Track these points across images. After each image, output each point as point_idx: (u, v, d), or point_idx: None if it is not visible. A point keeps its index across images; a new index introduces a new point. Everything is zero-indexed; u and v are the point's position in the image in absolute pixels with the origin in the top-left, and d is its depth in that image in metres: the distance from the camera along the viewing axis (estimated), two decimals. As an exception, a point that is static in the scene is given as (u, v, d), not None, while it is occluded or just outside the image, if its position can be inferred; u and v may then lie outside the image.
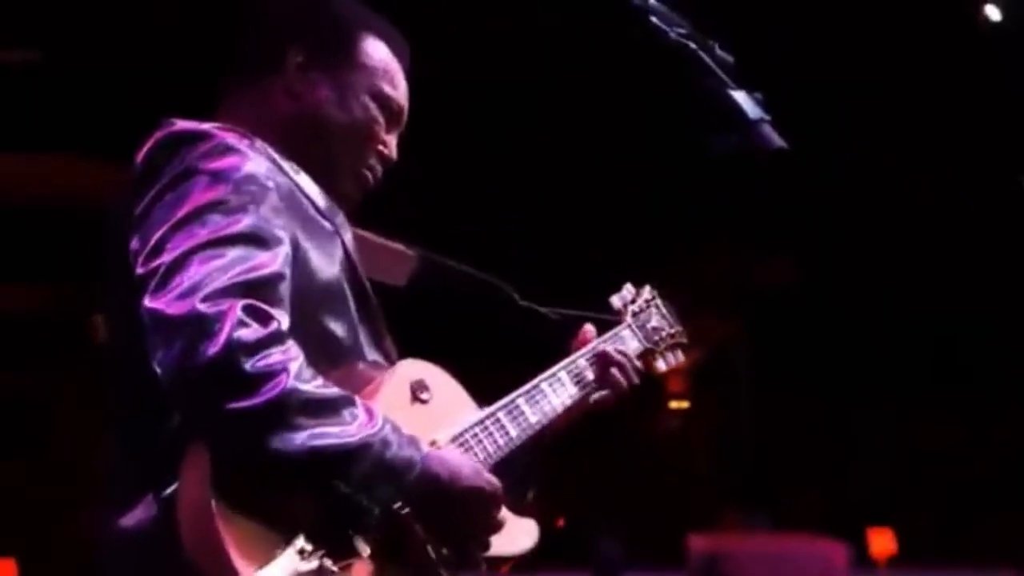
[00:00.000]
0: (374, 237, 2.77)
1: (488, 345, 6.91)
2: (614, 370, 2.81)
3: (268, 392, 2.15)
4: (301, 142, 2.52)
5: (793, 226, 7.84)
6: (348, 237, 2.53)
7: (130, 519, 2.28)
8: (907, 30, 6.96)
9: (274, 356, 2.16)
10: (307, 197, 2.46)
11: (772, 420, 10.41)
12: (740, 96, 2.29)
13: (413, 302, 2.90)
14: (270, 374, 2.15)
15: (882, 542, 9.39)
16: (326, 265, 2.43)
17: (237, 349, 2.14)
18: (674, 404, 11.60)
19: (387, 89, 2.61)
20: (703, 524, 8.30)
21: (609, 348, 2.85)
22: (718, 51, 2.33)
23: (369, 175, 2.62)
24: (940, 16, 6.87)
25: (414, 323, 2.76)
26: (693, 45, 2.32)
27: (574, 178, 8.41)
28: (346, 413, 2.22)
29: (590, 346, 2.85)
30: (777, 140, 2.27)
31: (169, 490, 2.23)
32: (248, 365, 2.14)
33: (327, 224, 2.47)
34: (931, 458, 10.60)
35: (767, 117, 2.28)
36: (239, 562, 2.14)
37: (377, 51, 2.61)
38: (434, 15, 2.67)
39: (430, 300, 3.17)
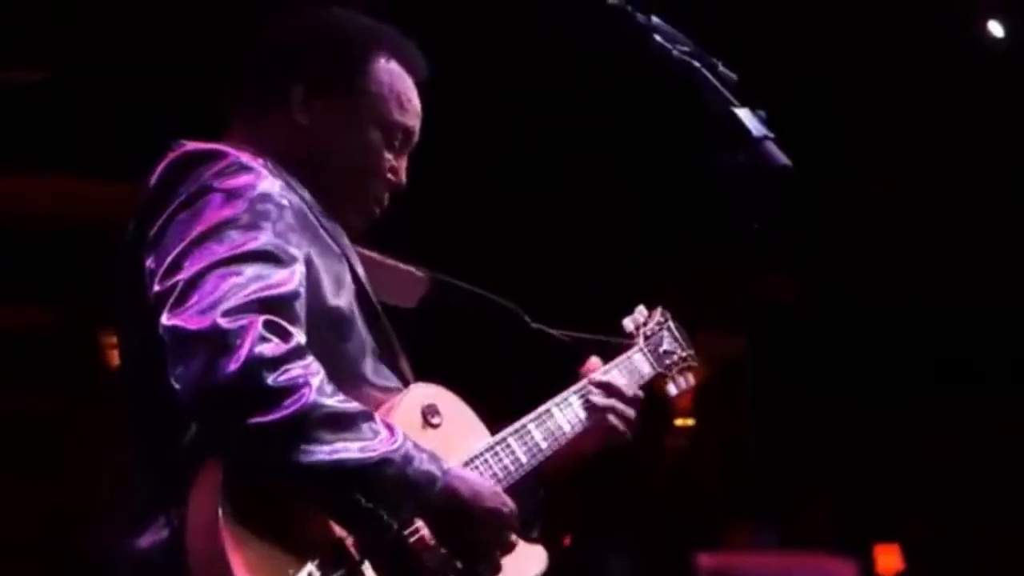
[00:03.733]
0: (383, 259, 2.75)
1: (501, 369, 6.89)
2: (608, 414, 2.77)
3: (291, 406, 2.14)
4: (306, 173, 2.50)
5: (796, 242, 7.83)
6: (356, 262, 2.52)
7: (142, 541, 2.28)
8: (911, 47, 6.97)
9: (296, 370, 2.16)
10: (317, 218, 2.46)
11: (778, 437, 10.39)
12: (744, 113, 2.29)
13: (426, 324, 2.88)
14: (292, 388, 2.15)
15: (889, 559, 9.38)
16: (335, 288, 2.42)
17: (259, 364, 2.13)
18: (680, 422, 11.59)
19: (395, 114, 2.57)
20: (710, 541, 8.28)
21: (614, 381, 2.81)
22: (721, 68, 2.34)
23: (375, 207, 2.60)
24: (944, 32, 6.87)
25: (428, 346, 2.74)
26: (696, 63, 2.33)
27: (578, 195, 8.41)
28: (367, 428, 2.22)
29: (601, 370, 2.83)
30: (781, 157, 2.27)
31: (179, 513, 2.23)
32: (270, 379, 2.13)
33: (335, 247, 2.47)
34: (938, 474, 10.58)
35: (771, 134, 2.28)
36: None
37: (385, 73, 2.57)
38: (430, 32, 2.64)
39: (443, 323, 3.14)
